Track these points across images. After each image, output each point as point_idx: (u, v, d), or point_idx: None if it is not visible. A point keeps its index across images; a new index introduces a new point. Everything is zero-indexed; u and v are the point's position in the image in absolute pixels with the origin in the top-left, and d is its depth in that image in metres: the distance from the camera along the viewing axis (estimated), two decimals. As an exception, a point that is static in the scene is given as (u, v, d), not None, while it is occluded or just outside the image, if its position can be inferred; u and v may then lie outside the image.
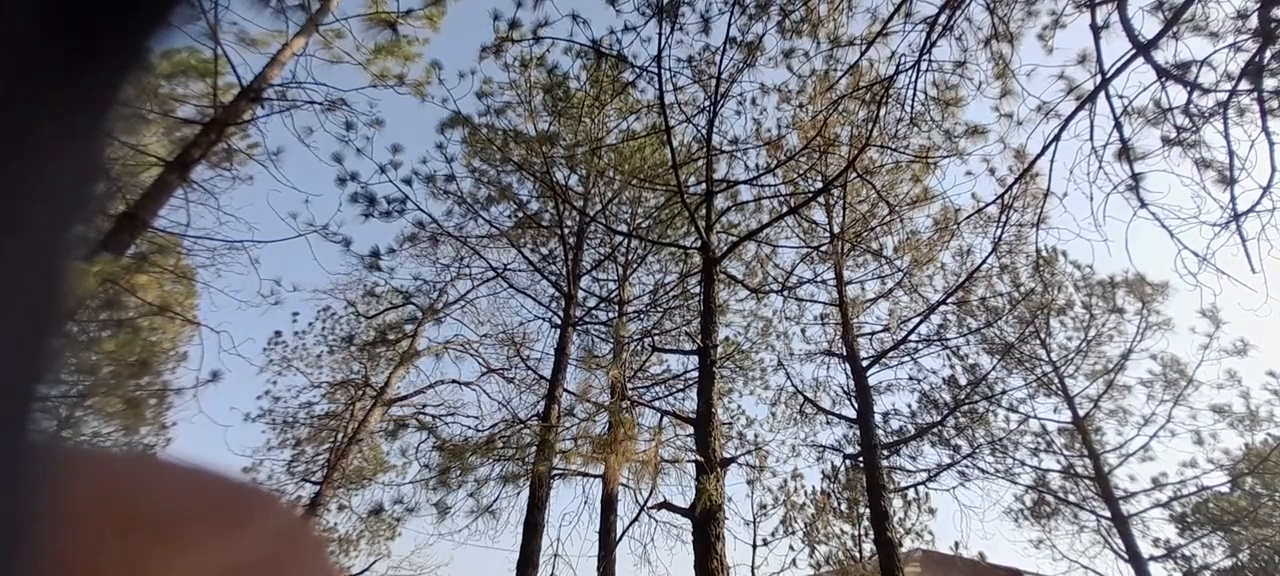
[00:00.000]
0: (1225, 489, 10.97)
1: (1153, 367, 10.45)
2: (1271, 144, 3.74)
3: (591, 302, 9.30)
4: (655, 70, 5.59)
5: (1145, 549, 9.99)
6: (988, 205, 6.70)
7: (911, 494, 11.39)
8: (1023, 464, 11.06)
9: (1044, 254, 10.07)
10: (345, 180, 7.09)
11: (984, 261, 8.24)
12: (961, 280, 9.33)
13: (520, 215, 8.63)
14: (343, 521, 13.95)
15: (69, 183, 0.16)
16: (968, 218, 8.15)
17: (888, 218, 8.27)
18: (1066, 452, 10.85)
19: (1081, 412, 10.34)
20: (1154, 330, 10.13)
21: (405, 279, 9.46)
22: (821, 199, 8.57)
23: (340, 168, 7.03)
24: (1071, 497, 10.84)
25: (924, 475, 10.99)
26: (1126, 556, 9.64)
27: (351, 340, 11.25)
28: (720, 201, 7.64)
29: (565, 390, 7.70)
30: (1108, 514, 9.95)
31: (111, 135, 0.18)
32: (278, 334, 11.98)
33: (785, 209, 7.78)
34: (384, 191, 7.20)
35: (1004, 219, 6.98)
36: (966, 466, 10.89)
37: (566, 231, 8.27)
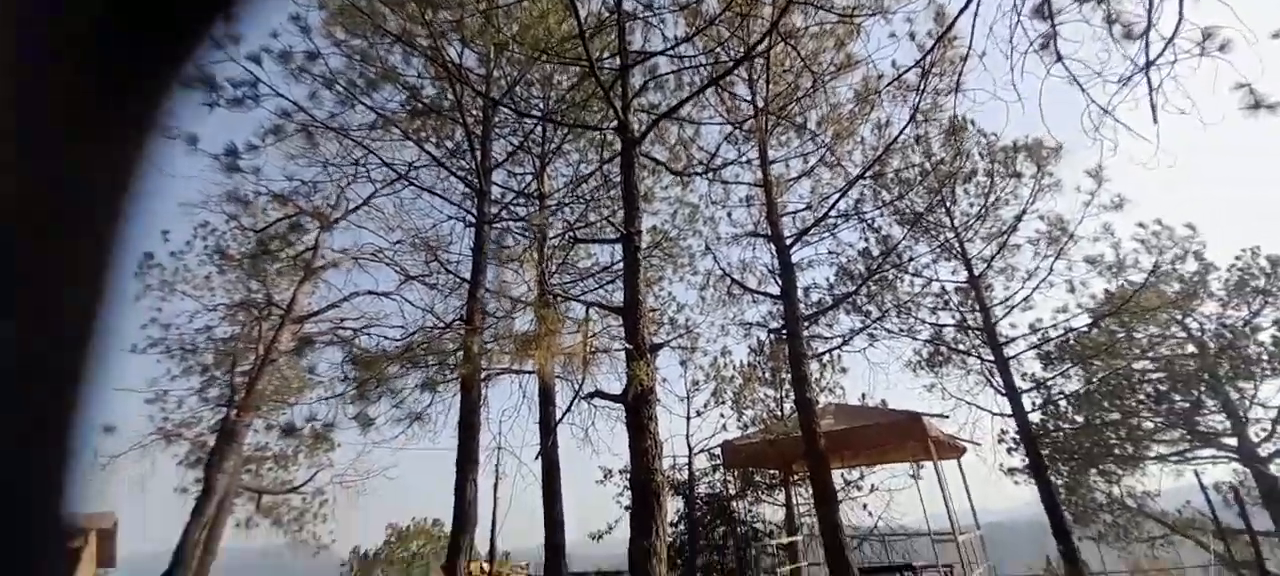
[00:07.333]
0: (1086, 329, 12.67)
1: (1040, 227, 11.39)
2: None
3: (508, 197, 8.68)
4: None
5: (1020, 383, 11.49)
6: (907, 71, 6.57)
7: (827, 358, 12.41)
8: (923, 321, 12.19)
9: (957, 121, 10.32)
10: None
11: (902, 132, 8.30)
12: (879, 153, 9.45)
13: (414, 103, 7.57)
14: (272, 440, 13.49)
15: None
16: (888, 85, 8.05)
17: (811, 88, 8.01)
18: (961, 309, 11.97)
19: (976, 272, 11.27)
20: (1046, 192, 10.91)
21: (279, 181, 8.23)
22: (744, 70, 8.12)
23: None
24: (961, 347, 12.14)
25: (839, 340, 11.92)
26: (1004, 391, 11.06)
27: (230, 254, 10.06)
28: (637, 78, 7.03)
29: (486, 290, 7.34)
30: (992, 358, 11.24)
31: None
32: (149, 256, 10.55)
33: (706, 81, 7.29)
34: (226, 72, 5.98)
35: (923, 86, 6.90)
36: (876, 329, 11.88)
37: (470, 120, 7.41)
